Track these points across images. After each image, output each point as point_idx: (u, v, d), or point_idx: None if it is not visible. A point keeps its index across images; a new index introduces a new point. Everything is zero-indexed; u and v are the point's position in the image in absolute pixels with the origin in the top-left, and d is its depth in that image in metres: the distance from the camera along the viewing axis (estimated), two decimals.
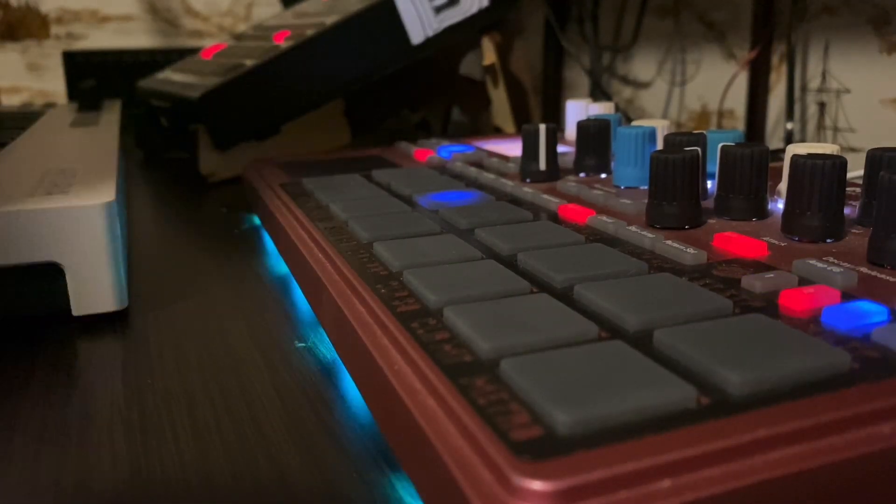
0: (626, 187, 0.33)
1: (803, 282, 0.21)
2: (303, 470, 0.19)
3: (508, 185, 0.35)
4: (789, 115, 0.63)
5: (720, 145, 0.28)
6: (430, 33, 0.54)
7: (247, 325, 0.28)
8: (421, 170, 0.41)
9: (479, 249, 0.25)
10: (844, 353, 0.16)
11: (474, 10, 0.55)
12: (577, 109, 0.47)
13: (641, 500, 0.12)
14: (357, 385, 0.21)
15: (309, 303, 0.28)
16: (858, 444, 0.14)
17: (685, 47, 0.75)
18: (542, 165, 0.36)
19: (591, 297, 0.20)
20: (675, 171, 0.26)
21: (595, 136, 0.37)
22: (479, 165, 0.41)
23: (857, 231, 0.26)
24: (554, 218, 0.29)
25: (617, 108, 0.49)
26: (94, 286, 0.27)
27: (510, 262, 0.24)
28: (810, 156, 0.25)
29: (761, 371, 0.15)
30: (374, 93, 0.53)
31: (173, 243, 0.41)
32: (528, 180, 0.36)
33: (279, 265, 0.35)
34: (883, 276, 0.21)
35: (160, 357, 0.25)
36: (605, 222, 0.27)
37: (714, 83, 0.71)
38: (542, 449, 0.13)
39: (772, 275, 0.21)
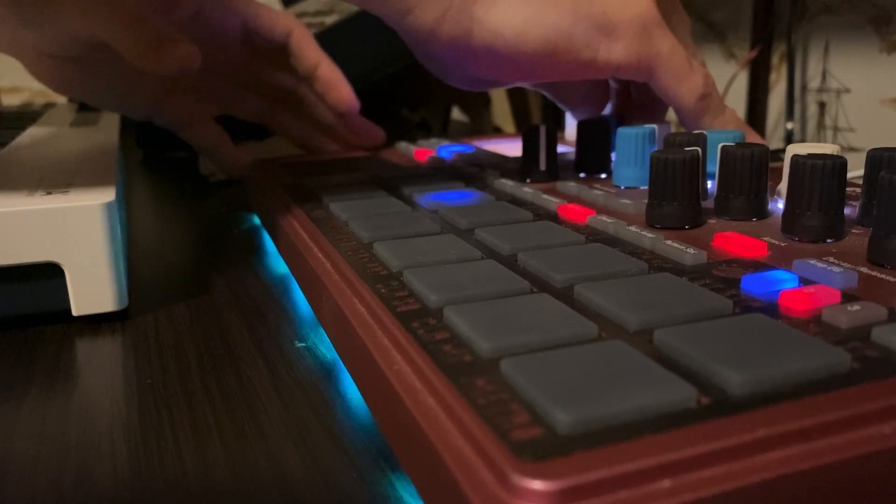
0: (626, 187, 0.33)
1: (803, 282, 0.21)
2: (303, 470, 0.19)
3: (508, 185, 0.35)
4: (789, 115, 0.63)
5: (720, 145, 0.28)
6: None
7: (247, 325, 0.28)
8: (421, 170, 0.41)
9: (479, 249, 0.25)
10: (844, 353, 0.16)
11: None
12: None
13: (642, 500, 0.12)
14: (357, 385, 0.21)
15: (309, 303, 0.28)
16: (858, 444, 0.14)
17: None
18: (542, 165, 0.36)
19: (591, 297, 0.20)
20: (675, 171, 0.26)
21: (595, 136, 0.37)
22: (479, 165, 0.41)
23: (857, 231, 0.26)
24: (554, 218, 0.29)
25: None
26: (94, 286, 0.27)
27: (510, 262, 0.24)
28: (810, 156, 0.25)
29: (761, 371, 0.15)
30: (374, 93, 0.53)
31: (173, 243, 0.41)
32: (528, 180, 0.36)
33: (279, 265, 0.35)
34: (883, 276, 0.21)
35: (160, 357, 0.25)
36: (605, 222, 0.27)
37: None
38: (542, 449, 0.13)
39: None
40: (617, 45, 0.32)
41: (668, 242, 0.24)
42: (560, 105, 0.42)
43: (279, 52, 0.47)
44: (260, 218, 0.41)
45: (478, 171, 0.39)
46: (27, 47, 0.37)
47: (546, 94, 0.41)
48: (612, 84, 0.41)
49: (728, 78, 0.67)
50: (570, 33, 0.32)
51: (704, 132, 0.31)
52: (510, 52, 0.32)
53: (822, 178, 0.24)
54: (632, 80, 0.35)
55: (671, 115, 0.42)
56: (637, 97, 0.41)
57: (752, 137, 0.36)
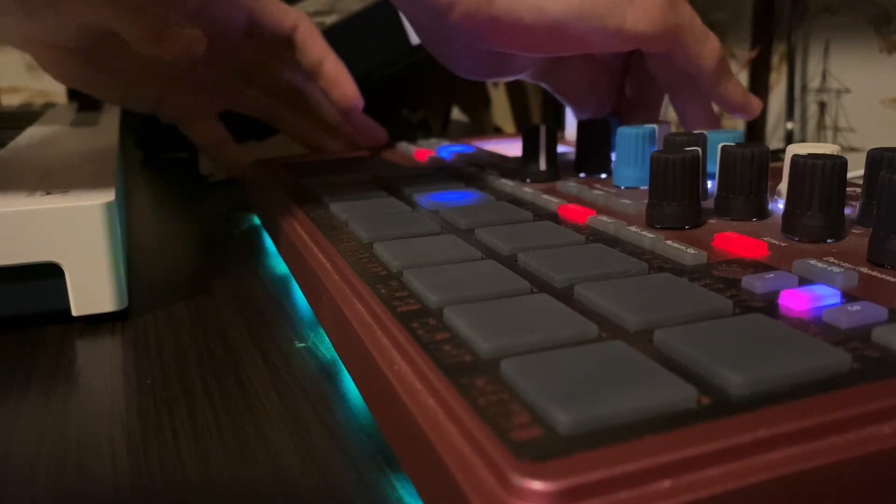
0: (626, 187, 0.33)
1: (803, 282, 0.21)
2: (303, 470, 0.19)
3: (508, 185, 0.35)
4: (789, 115, 0.63)
5: (720, 145, 0.28)
6: None
7: (247, 325, 0.28)
8: (421, 169, 0.41)
9: (479, 249, 0.25)
10: (844, 353, 0.16)
11: None
12: None
13: (642, 500, 0.12)
14: (357, 385, 0.21)
15: (309, 303, 0.28)
16: (858, 444, 0.14)
17: None
18: (542, 165, 0.36)
19: (591, 297, 0.20)
20: (675, 171, 0.26)
21: (595, 136, 0.37)
22: (479, 165, 0.41)
23: (857, 231, 0.26)
24: (554, 218, 0.29)
25: None
26: (94, 286, 0.27)
27: (510, 262, 0.24)
28: (810, 156, 0.25)
29: (762, 371, 0.15)
30: (374, 93, 0.53)
31: (173, 243, 0.41)
32: (528, 180, 0.36)
33: (279, 265, 0.35)
34: (883, 276, 0.21)
35: (160, 357, 0.25)
36: (605, 222, 0.27)
37: None
38: (542, 449, 0.13)
39: (772, 275, 0.21)
40: (643, 15, 0.32)
41: (669, 242, 0.24)
42: (562, 100, 0.42)
43: (284, 47, 0.47)
44: (260, 218, 0.41)
45: (478, 171, 0.39)
46: (34, 39, 0.38)
47: (548, 87, 0.41)
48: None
49: None
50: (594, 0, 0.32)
51: (704, 132, 0.31)
52: (533, 17, 0.31)
53: (822, 178, 0.24)
54: (650, 52, 0.34)
55: (671, 115, 0.42)
56: (632, 95, 0.41)
57: (751, 100, 0.37)
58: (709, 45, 0.34)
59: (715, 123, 0.38)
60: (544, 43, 0.33)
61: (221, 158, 0.50)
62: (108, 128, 0.51)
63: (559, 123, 0.74)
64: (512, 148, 0.47)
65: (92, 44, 0.38)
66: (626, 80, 0.41)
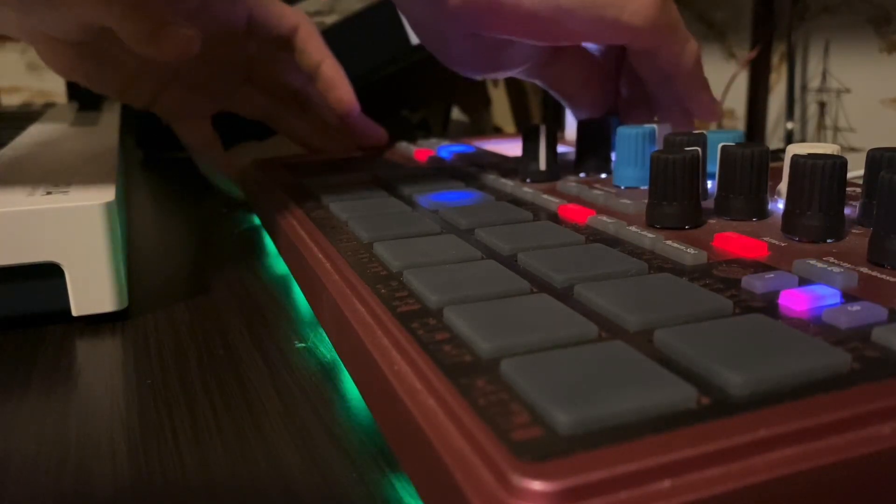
0: (626, 187, 0.33)
1: (803, 282, 0.21)
2: (303, 470, 0.19)
3: (508, 185, 0.35)
4: (789, 115, 0.63)
5: (720, 145, 0.28)
6: None
7: (247, 325, 0.28)
8: (421, 170, 0.41)
9: (479, 249, 0.25)
10: (844, 353, 0.16)
11: None
12: None
13: (642, 500, 0.12)
14: (357, 385, 0.21)
15: (309, 303, 0.28)
16: (858, 444, 0.14)
17: None
18: (542, 165, 0.36)
19: (591, 297, 0.20)
20: (675, 171, 0.26)
21: (595, 136, 0.37)
22: (479, 165, 0.41)
23: (857, 231, 0.26)
24: (554, 218, 0.29)
25: None
26: (94, 286, 0.27)
27: (510, 262, 0.24)
28: (810, 156, 0.25)
29: (762, 371, 0.15)
30: (374, 93, 0.53)
31: (173, 243, 0.41)
32: (528, 180, 0.36)
33: (279, 265, 0.35)
34: (883, 276, 0.21)
35: (160, 357, 0.25)
36: (605, 222, 0.27)
37: (714, 83, 0.71)
38: (542, 449, 0.13)
39: (772, 275, 0.21)
40: (639, 10, 0.33)
41: (669, 242, 0.24)
42: (557, 96, 0.42)
43: (284, 48, 0.47)
44: (260, 218, 0.41)
45: (478, 171, 0.39)
46: (34, 31, 0.38)
47: (543, 84, 0.41)
48: None
49: (728, 78, 0.67)
50: None
51: (704, 132, 0.31)
52: (535, 1, 0.32)
53: (822, 178, 0.24)
54: (639, 47, 0.35)
55: None
56: (627, 95, 0.41)
57: (718, 104, 0.38)
58: (689, 46, 0.35)
59: (692, 123, 0.38)
60: (542, 29, 0.33)
61: (207, 161, 0.49)
62: (108, 128, 0.51)
63: (559, 123, 0.74)
64: (512, 148, 0.47)
65: (92, 38, 0.38)
66: (620, 79, 0.41)
